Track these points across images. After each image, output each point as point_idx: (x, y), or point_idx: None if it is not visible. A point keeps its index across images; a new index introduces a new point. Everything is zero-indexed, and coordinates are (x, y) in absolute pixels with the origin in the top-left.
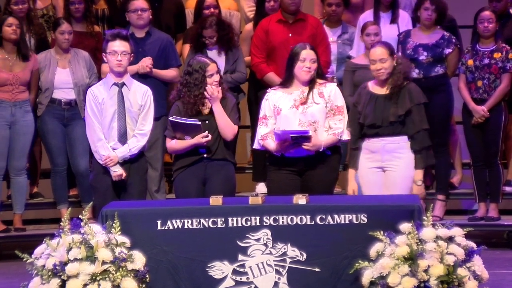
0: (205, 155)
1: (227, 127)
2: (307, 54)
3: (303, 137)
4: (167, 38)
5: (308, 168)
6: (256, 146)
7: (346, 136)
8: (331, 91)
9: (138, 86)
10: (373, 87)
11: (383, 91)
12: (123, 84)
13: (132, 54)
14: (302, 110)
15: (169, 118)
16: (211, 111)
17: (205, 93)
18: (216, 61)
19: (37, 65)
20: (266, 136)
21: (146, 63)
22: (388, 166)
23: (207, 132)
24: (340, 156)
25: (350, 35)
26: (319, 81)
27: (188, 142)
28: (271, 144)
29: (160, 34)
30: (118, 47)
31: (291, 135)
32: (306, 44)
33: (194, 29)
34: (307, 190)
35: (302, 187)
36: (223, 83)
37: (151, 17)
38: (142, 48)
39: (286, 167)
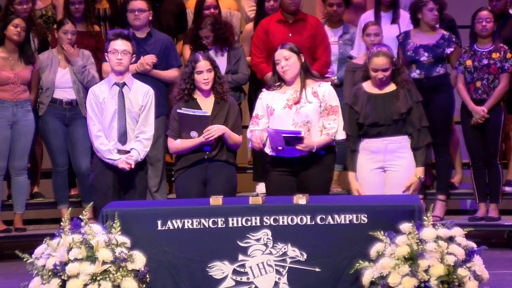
0: (205, 157)
1: (235, 143)
2: (279, 55)
3: (295, 138)
4: (167, 38)
5: (302, 169)
6: (250, 145)
7: (340, 136)
8: (325, 91)
9: (140, 86)
10: (369, 87)
11: (380, 90)
12: (124, 84)
13: (134, 55)
14: (296, 110)
15: (178, 111)
16: (213, 111)
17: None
18: (216, 60)
19: (37, 66)
20: (253, 131)
21: (146, 60)
22: (389, 166)
23: (214, 126)
24: (334, 156)
25: (351, 35)
26: (312, 79)
27: (193, 141)
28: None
29: (160, 35)
30: (119, 46)
31: (283, 135)
32: (285, 44)
33: (191, 31)
34: (303, 190)
35: (298, 188)
36: (223, 84)
37: (150, 18)
38: (143, 48)
39: (281, 168)
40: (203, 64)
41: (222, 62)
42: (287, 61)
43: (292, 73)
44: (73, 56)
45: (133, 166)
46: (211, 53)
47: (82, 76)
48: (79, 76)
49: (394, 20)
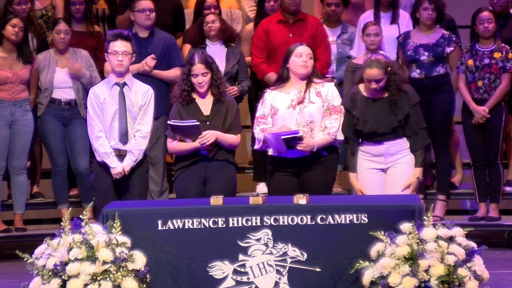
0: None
1: (231, 145)
2: (303, 50)
3: (295, 138)
4: (170, 38)
5: (304, 169)
6: (256, 146)
7: (341, 136)
8: (328, 91)
9: (140, 86)
10: (366, 91)
11: (378, 95)
12: (125, 84)
13: (134, 55)
14: (299, 110)
15: (168, 122)
16: (212, 111)
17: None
18: (215, 59)
19: (36, 65)
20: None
21: (147, 61)
22: (390, 167)
23: (208, 131)
24: (337, 156)
25: (349, 35)
26: (316, 80)
27: (190, 145)
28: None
29: (163, 34)
30: (119, 47)
31: (282, 137)
32: (303, 43)
33: (193, 28)
34: (304, 191)
35: (300, 188)
36: (220, 86)
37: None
38: (146, 48)
39: (283, 168)
40: (198, 67)
41: (220, 62)
42: (310, 60)
43: (308, 72)
44: (79, 71)
45: (127, 173)
46: (217, 46)
47: (89, 82)
48: (87, 85)
49: (394, 20)
